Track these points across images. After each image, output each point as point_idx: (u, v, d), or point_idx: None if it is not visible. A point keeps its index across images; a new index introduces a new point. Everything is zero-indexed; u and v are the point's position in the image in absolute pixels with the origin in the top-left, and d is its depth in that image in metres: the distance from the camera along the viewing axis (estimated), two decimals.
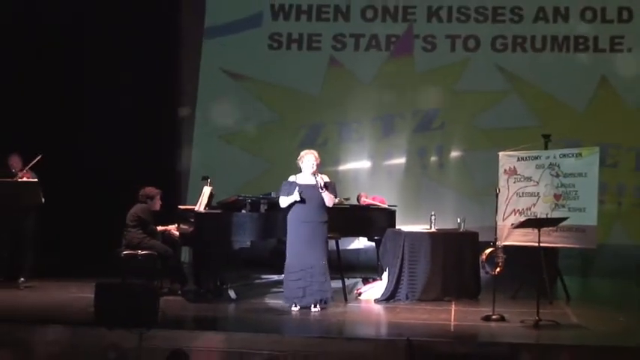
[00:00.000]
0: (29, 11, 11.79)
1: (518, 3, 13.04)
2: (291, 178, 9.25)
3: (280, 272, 9.65)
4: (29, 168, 10.53)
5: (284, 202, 9.19)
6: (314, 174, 9.14)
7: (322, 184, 9.03)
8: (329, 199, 9.14)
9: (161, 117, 12.74)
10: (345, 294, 10.05)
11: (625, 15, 12.85)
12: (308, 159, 9.22)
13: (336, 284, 9.91)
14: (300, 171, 9.28)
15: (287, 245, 9.32)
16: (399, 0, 13.25)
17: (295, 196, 9.05)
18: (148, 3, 12.40)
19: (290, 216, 9.21)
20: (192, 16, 13.27)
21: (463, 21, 13.13)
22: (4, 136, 10.94)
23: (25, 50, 11.82)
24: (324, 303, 9.28)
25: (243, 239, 9.86)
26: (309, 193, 9.13)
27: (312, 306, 9.22)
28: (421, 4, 13.22)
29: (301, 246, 9.20)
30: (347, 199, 10.59)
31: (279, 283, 10.17)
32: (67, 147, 11.34)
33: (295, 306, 9.23)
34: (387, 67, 13.20)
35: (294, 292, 9.27)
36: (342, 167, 13.03)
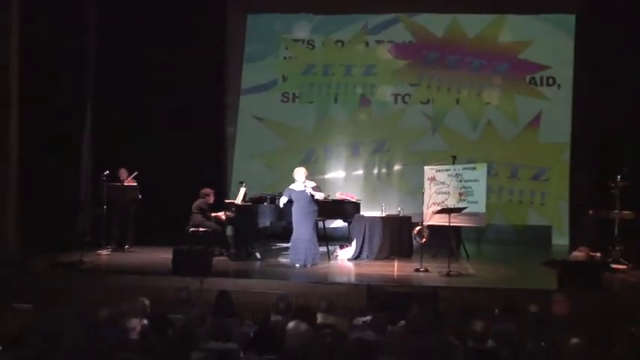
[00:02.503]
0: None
1: (438, 76, 12.96)
2: (292, 186, 9.29)
3: (289, 241, 9.60)
4: (131, 177, 10.50)
5: (280, 202, 9.36)
6: (303, 183, 9.17)
7: (311, 192, 9.12)
8: (319, 196, 9.22)
9: (215, 144, 12.62)
10: (329, 255, 10.01)
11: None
12: (299, 173, 9.28)
13: (323, 249, 9.89)
14: (295, 181, 9.28)
15: (293, 226, 9.33)
16: (364, 71, 13.16)
17: (283, 201, 9.31)
18: (207, 75, 12.29)
19: (292, 209, 9.22)
20: (234, 81, 13.18)
21: (402, 86, 13.05)
22: (114, 155, 10.87)
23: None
24: (314, 262, 9.23)
25: (265, 221, 9.86)
26: (300, 196, 9.17)
27: (309, 264, 9.18)
28: (378, 73, 13.13)
29: (298, 227, 9.19)
30: (329, 196, 10.53)
31: (288, 248, 10.12)
32: (157, 163, 11.21)
33: (297, 264, 9.20)
34: (355, 113, 13.14)
35: (296, 255, 9.25)
36: (327, 176, 12.94)
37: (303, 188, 9.18)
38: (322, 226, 10.08)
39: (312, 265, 9.22)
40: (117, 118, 11.49)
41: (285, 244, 10.33)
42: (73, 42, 11.03)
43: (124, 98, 11.51)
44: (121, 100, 11.50)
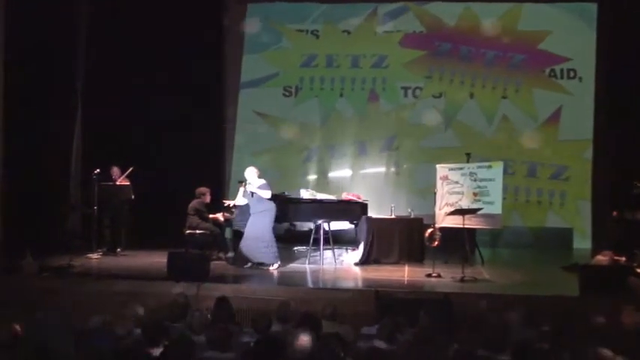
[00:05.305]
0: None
1: (451, 68, 12.92)
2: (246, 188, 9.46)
3: (292, 245, 9.59)
4: (125, 176, 10.49)
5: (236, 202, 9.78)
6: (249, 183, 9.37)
7: (252, 191, 9.32)
8: (263, 194, 9.34)
9: (214, 141, 12.64)
10: (335, 258, 10.01)
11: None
12: (249, 173, 9.45)
13: (328, 253, 9.90)
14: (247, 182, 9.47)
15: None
16: (372, 62, 13.12)
17: (241, 202, 9.65)
18: (205, 66, 12.30)
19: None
20: (233, 74, 13.19)
21: (412, 79, 13.02)
22: (106, 152, 10.88)
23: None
24: (266, 262, 9.32)
25: None
26: (249, 196, 9.43)
27: (255, 263, 9.35)
28: (386, 65, 13.09)
29: (247, 227, 9.44)
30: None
31: (291, 252, 10.11)
32: (151, 161, 11.22)
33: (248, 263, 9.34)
34: (362, 108, 13.11)
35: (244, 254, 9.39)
36: (332, 175, 12.96)
37: (247, 187, 9.34)
38: (328, 228, 10.07)
39: (261, 264, 9.28)
40: (108, 113, 11.48)
41: (284, 245, 10.32)
42: (61, 34, 11.03)
43: (116, 92, 11.50)
44: (112, 95, 11.49)
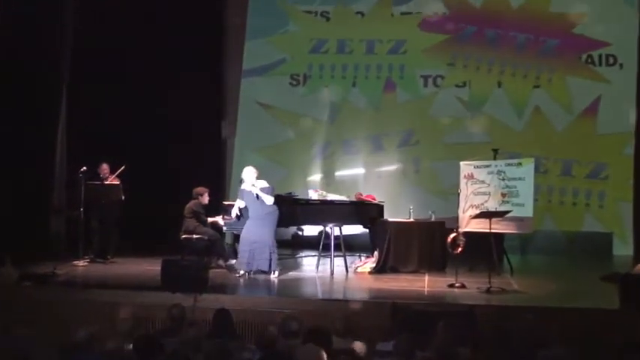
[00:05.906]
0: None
1: (477, 54, 12.91)
2: (242, 187, 9.45)
3: (299, 251, 9.58)
4: (115, 175, 10.50)
5: (234, 210, 9.58)
6: (252, 184, 9.29)
7: (257, 192, 9.25)
8: (267, 199, 9.30)
9: (212, 137, 12.70)
10: (347, 267, 10.01)
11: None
12: (248, 173, 9.39)
13: (339, 260, 9.90)
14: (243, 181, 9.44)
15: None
16: (389, 48, 13.14)
17: (240, 205, 9.49)
18: (202, 55, 12.34)
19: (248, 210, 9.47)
20: (233, 61, 13.22)
21: (433, 66, 13.01)
22: (94, 149, 10.91)
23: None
24: (272, 269, 9.32)
25: None
26: (251, 196, 9.36)
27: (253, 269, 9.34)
28: (404, 51, 13.10)
29: (247, 228, 9.41)
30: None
31: (298, 259, 10.11)
32: (143, 159, 11.24)
33: (241, 270, 9.33)
34: (377, 99, 13.11)
35: (241, 259, 9.38)
36: (344, 173, 12.97)
37: (250, 188, 9.27)
38: (339, 233, 10.07)
39: (261, 272, 9.25)
40: (97, 103, 11.51)
41: (296, 254, 10.31)
42: (46, 24, 11.09)
43: (105, 82, 11.54)
44: (101, 84, 11.53)
